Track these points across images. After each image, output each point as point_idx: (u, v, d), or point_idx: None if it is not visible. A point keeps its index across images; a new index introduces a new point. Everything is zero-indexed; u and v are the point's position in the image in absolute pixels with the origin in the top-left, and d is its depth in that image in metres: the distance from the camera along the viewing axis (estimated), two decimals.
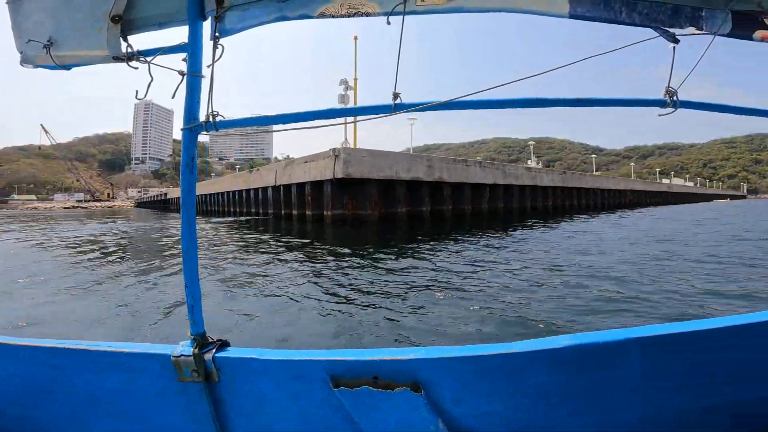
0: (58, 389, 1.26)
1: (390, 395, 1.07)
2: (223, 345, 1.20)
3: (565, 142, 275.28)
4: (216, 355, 1.16)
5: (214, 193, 35.40)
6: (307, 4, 1.19)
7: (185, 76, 1.16)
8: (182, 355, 1.15)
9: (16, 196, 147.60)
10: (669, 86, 1.18)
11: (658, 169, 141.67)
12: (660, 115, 1.23)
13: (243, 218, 24.14)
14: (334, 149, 15.15)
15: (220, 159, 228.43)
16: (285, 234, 13.11)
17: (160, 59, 1.19)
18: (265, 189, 22.44)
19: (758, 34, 1.22)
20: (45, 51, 1.21)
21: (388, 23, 1.15)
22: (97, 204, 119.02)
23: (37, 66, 1.29)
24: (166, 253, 8.75)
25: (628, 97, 1.22)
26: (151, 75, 1.18)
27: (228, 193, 30.76)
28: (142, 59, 1.18)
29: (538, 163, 73.94)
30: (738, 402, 1.15)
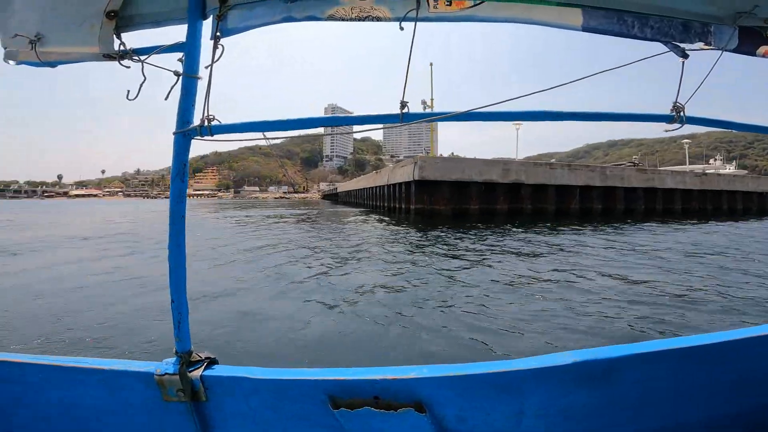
0: (27, 406, 1.22)
1: (393, 416, 1.04)
2: (212, 363, 1.17)
3: None
4: (204, 373, 1.12)
5: (357, 189, 44.07)
6: (316, 6, 1.15)
7: (181, 77, 1.11)
8: (166, 373, 1.11)
9: (247, 188, 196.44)
10: (677, 101, 1.16)
11: None
12: (666, 131, 1.20)
13: (369, 209, 30.95)
14: (414, 157, 19.61)
15: (392, 156, 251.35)
16: (379, 217, 18.48)
17: (154, 58, 1.13)
18: (382, 187, 28.31)
19: (761, 49, 1.22)
20: (30, 47, 1.15)
21: (401, 29, 1.12)
22: (296, 195, 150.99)
23: (19, 62, 1.21)
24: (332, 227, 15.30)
25: (636, 113, 1.21)
26: (144, 75, 1.13)
27: (364, 189, 38.27)
28: (136, 58, 1.14)
29: (730, 165, 61.05)
30: (740, 413, 1.16)
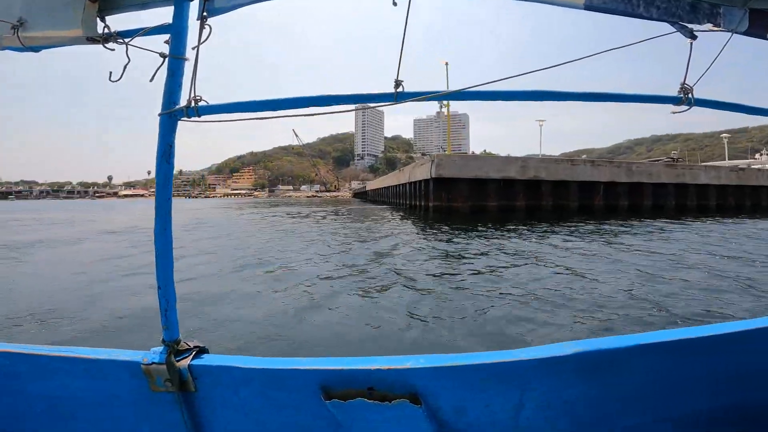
0: (9, 397, 1.19)
1: (387, 408, 1.01)
2: (201, 351, 1.14)
3: None
4: (193, 362, 1.09)
5: (383, 187, 44.94)
6: None
7: (167, 59, 1.08)
8: (153, 362, 1.08)
9: (281, 187, 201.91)
10: (684, 83, 1.13)
11: None
12: (673, 113, 1.17)
13: (393, 207, 31.54)
14: (432, 155, 20.01)
15: (423, 154, 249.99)
16: (398, 213, 19.00)
17: (139, 40, 1.11)
18: (404, 185, 28.83)
19: None
20: (13, 32, 1.12)
21: (395, 4, 1.08)
22: (327, 194, 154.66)
23: (3, 48, 1.20)
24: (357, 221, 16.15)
25: (642, 93, 1.17)
26: (128, 57, 1.10)
27: (389, 187, 39.00)
28: (120, 40, 1.11)
29: None
30: (742, 404, 1.15)
